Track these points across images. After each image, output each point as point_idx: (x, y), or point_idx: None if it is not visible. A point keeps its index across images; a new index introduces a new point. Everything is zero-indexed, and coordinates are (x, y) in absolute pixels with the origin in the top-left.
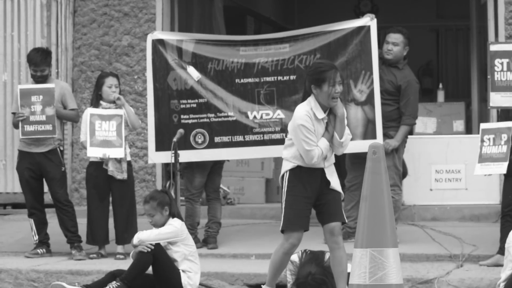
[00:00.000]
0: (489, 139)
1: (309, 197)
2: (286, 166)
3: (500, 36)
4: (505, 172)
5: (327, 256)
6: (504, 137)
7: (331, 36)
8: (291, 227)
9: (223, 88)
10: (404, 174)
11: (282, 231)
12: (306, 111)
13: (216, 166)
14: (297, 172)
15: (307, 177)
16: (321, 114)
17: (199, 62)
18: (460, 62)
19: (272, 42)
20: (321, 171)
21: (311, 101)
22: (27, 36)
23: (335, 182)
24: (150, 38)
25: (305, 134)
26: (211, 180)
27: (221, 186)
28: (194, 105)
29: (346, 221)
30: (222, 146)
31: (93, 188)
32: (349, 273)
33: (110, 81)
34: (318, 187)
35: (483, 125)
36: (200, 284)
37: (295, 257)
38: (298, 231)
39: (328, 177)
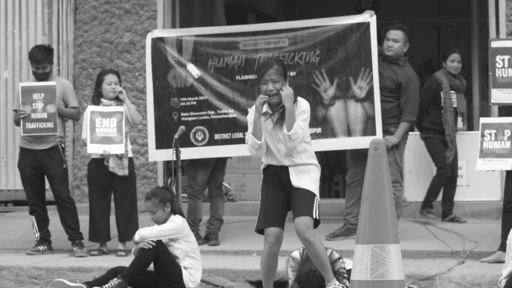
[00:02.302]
0: (490, 134)
1: (277, 195)
2: (261, 167)
3: (501, 33)
4: (509, 168)
5: (328, 252)
6: (507, 132)
7: (330, 32)
8: (261, 225)
9: (223, 85)
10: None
11: (257, 231)
12: (250, 112)
13: (219, 163)
14: (267, 172)
15: (275, 176)
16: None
17: (199, 59)
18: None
19: (270, 33)
20: (286, 170)
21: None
22: (28, 34)
23: (300, 181)
24: (149, 37)
25: (248, 130)
26: (214, 177)
27: (223, 182)
28: (194, 103)
29: (314, 216)
30: (222, 143)
31: (95, 185)
32: (350, 270)
33: (110, 78)
34: (285, 186)
35: (483, 120)
36: (202, 280)
37: (296, 254)
38: (269, 228)
39: (292, 176)
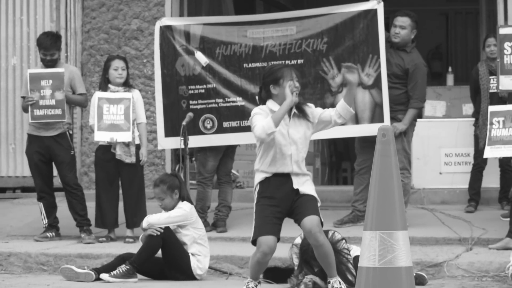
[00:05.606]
0: (498, 122)
1: (277, 206)
2: (256, 179)
3: (510, 19)
4: None
5: (330, 233)
6: None
7: (337, 19)
8: (258, 233)
9: (231, 73)
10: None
11: (253, 242)
12: (259, 108)
13: (229, 150)
14: (266, 183)
15: (275, 186)
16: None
17: (207, 47)
18: (470, 46)
19: (278, 21)
20: (290, 181)
21: (268, 104)
22: (36, 20)
23: (304, 188)
24: (158, 25)
25: (256, 117)
26: (223, 164)
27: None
28: (203, 91)
29: (321, 219)
30: (230, 131)
31: (102, 171)
32: (358, 256)
33: (116, 63)
34: (288, 196)
35: (491, 108)
36: (209, 267)
37: (298, 240)
38: (266, 236)
39: (295, 184)
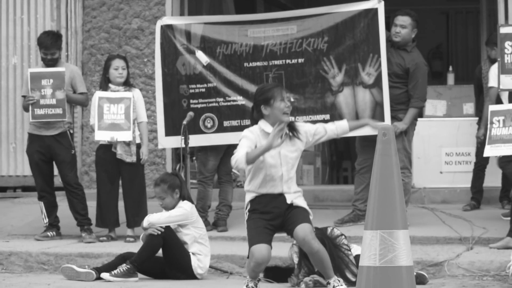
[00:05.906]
0: (498, 121)
1: (269, 220)
2: (247, 198)
3: (510, 18)
4: None
5: (329, 230)
6: None
7: (338, 18)
8: (251, 244)
9: (232, 72)
10: None
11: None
12: (249, 130)
13: (230, 149)
14: (256, 201)
15: (266, 203)
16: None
17: (207, 46)
18: (470, 45)
19: (279, 21)
20: (282, 196)
21: (260, 124)
22: (36, 20)
23: (298, 202)
24: (159, 24)
25: (241, 142)
26: (224, 163)
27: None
28: (203, 90)
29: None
30: (231, 130)
31: (103, 171)
32: (359, 255)
33: (117, 63)
34: (280, 210)
35: (492, 107)
36: (210, 266)
37: None
38: (258, 244)
39: (288, 200)
